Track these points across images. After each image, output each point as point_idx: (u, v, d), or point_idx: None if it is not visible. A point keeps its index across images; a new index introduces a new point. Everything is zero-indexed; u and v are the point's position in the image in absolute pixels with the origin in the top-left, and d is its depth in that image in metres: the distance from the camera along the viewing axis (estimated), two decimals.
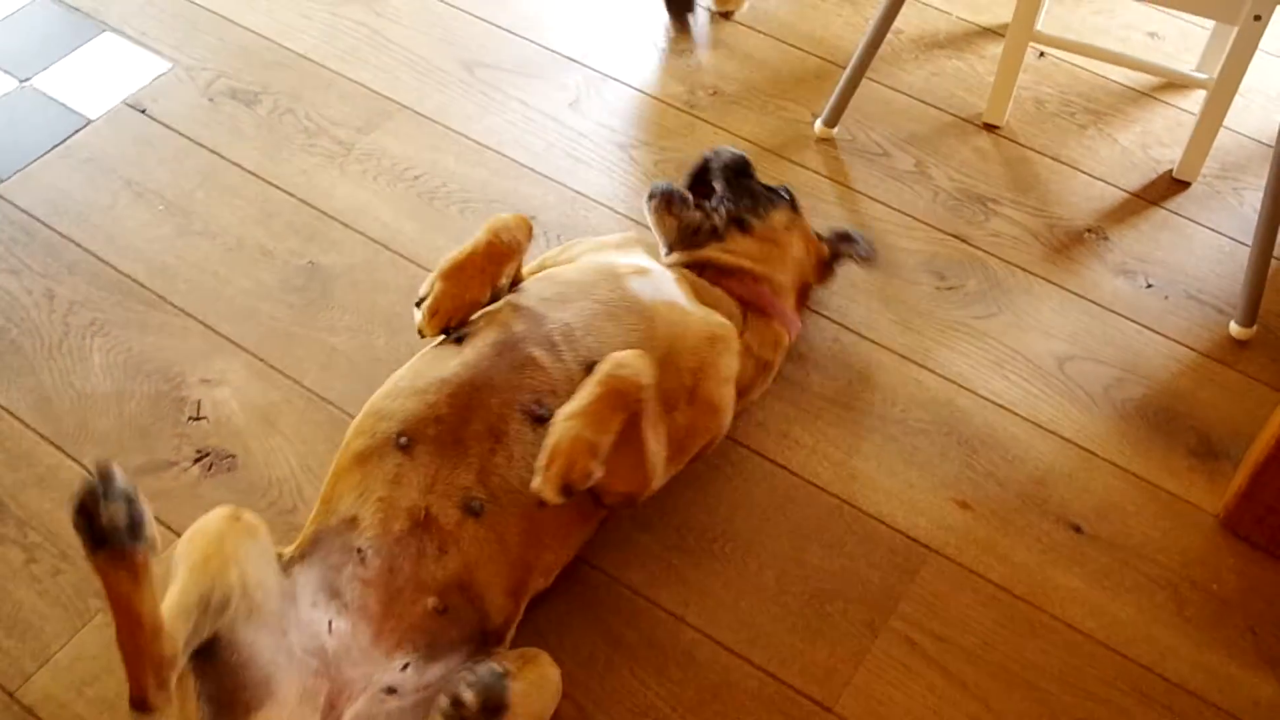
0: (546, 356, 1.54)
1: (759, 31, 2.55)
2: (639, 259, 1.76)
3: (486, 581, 1.47)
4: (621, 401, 1.45)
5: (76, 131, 2.30)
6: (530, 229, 1.67)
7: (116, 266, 2.08)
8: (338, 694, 1.37)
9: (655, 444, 1.53)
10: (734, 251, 1.84)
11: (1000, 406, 1.93)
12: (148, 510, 1.26)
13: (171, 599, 1.32)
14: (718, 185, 1.91)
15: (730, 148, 1.98)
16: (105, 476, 1.22)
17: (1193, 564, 1.76)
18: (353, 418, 1.83)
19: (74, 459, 1.82)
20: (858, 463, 1.85)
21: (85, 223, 2.14)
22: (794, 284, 1.89)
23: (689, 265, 1.83)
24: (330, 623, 1.41)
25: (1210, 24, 2.38)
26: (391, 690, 1.38)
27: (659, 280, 1.70)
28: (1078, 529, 1.79)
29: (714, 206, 1.88)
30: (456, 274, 1.59)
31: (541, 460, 1.42)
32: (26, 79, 2.40)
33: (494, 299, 1.64)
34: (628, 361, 1.48)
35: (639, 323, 1.60)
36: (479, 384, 1.52)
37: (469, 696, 1.27)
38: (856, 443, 1.87)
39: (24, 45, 2.46)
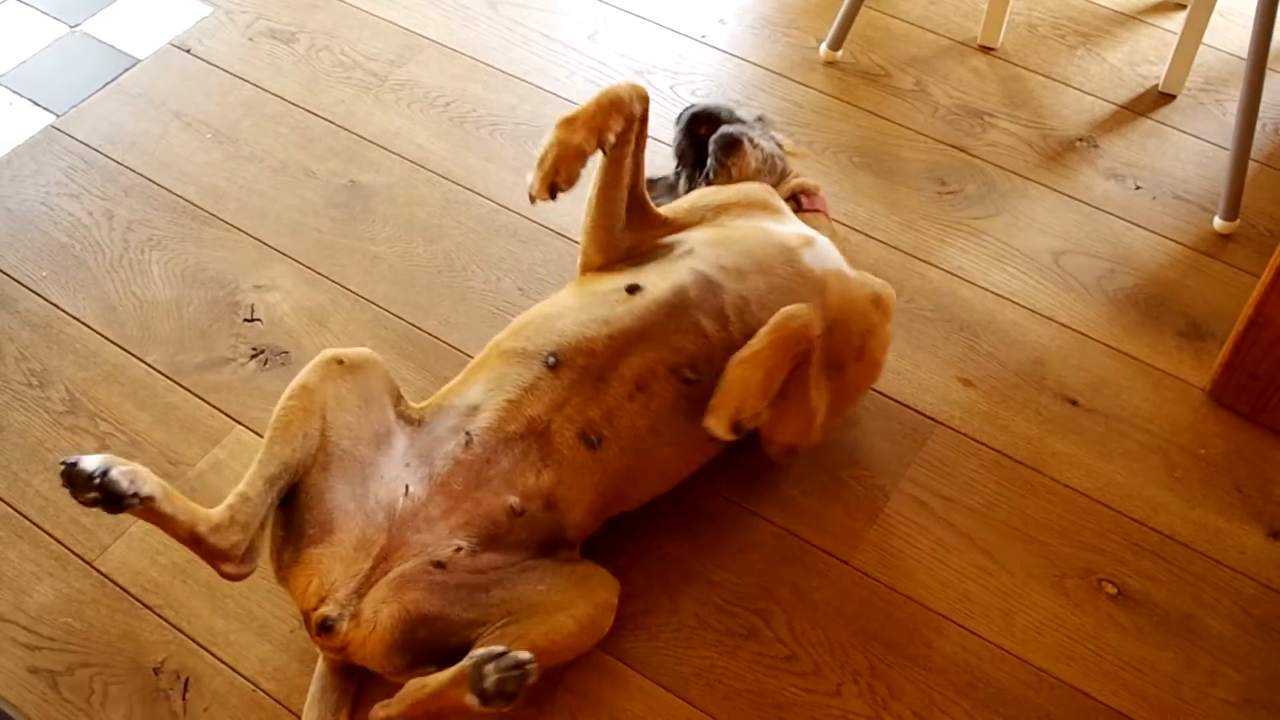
0: (713, 326, 1.56)
1: None
2: (797, 226, 1.75)
3: (574, 501, 1.51)
4: (792, 348, 1.51)
5: (126, 70, 2.39)
6: (645, 96, 1.62)
7: (170, 189, 2.16)
8: (391, 550, 1.44)
9: (818, 398, 1.59)
10: (795, 175, 1.90)
11: (1000, 296, 2.01)
12: (124, 478, 1.31)
13: (252, 470, 1.42)
14: (736, 120, 1.91)
15: (699, 102, 1.98)
16: (66, 479, 1.31)
17: (1182, 432, 1.84)
18: (396, 317, 1.94)
19: (138, 358, 1.90)
20: None
21: (138, 151, 2.23)
22: None
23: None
24: (408, 486, 1.48)
25: None
26: (440, 565, 1.43)
27: (823, 249, 1.70)
28: (1074, 402, 1.87)
29: (765, 135, 1.90)
30: (567, 125, 1.55)
31: (715, 399, 1.49)
32: (76, 24, 2.48)
33: (618, 163, 1.64)
34: (798, 313, 1.53)
35: (812, 295, 1.62)
36: (641, 334, 1.54)
37: (490, 682, 1.30)
38: None
39: None
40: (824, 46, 2.40)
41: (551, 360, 1.53)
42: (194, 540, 1.37)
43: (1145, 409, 1.87)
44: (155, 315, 1.96)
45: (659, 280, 1.59)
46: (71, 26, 2.48)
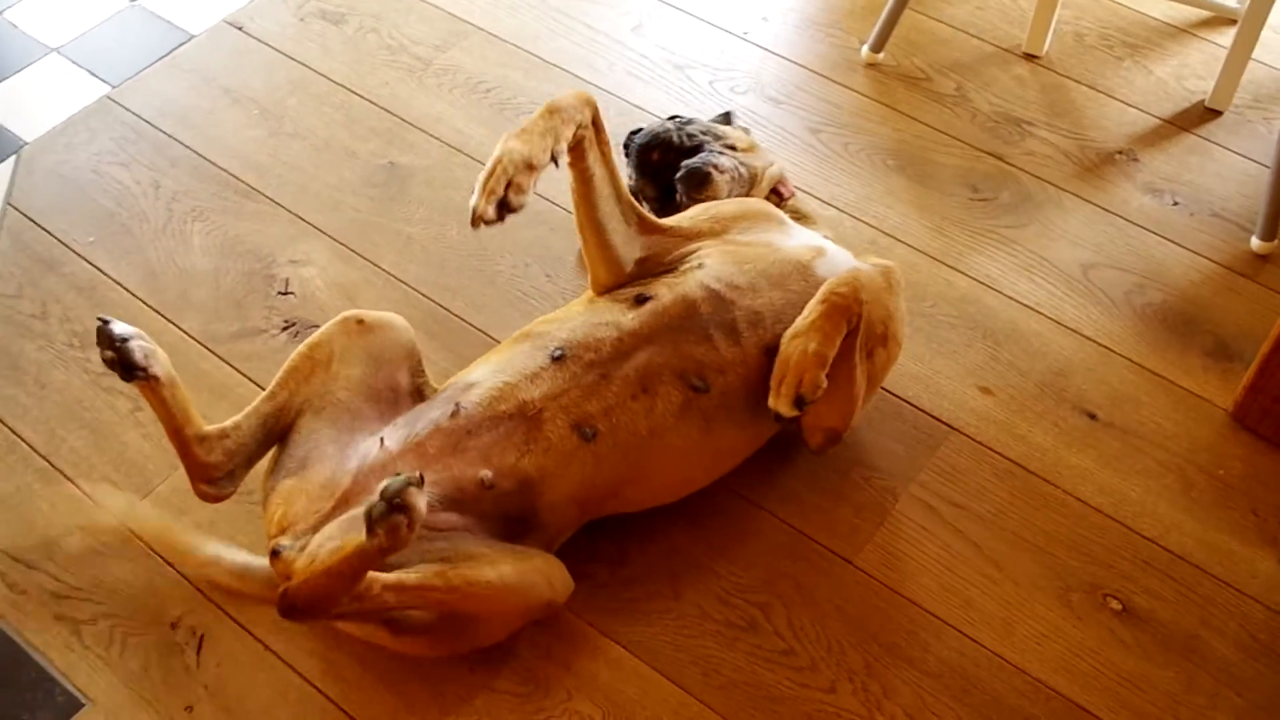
0: (724, 339, 1.58)
1: None
2: (803, 237, 1.76)
3: (554, 489, 1.53)
4: (844, 315, 1.54)
5: (180, 45, 2.45)
6: (592, 102, 1.59)
7: (215, 162, 2.23)
8: (352, 494, 1.49)
9: (860, 378, 1.62)
10: (762, 169, 1.91)
11: (1025, 306, 2.02)
12: (141, 352, 1.48)
13: (251, 406, 1.55)
14: (685, 147, 1.90)
15: (641, 129, 1.96)
16: (97, 334, 1.48)
17: (1201, 452, 1.84)
18: (425, 297, 2.00)
19: (175, 324, 1.97)
20: None
21: (187, 124, 2.29)
22: None
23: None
24: (384, 440, 1.54)
25: None
26: None
27: (834, 257, 1.71)
28: (1093, 416, 1.88)
29: (720, 152, 1.87)
30: (515, 137, 1.51)
31: (774, 378, 1.53)
32: None
33: (553, 160, 1.59)
34: (844, 279, 1.56)
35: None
36: (648, 338, 1.57)
37: (376, 508, 1.30)
38: None
39: None
40: (865, 48, 2.41)
41: (557, 353, 1.57)
42: (180, 442, 1.52)
43: (1165, 426, 1.87)
44: (194, 284, 2.03)
45: (667, 292, 1.61)
46: (131, 1, 2.55)
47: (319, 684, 1.57)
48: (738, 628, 1.64)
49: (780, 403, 1.52)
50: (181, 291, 2.01)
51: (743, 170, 1.86)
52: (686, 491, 1.69)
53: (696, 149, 1.88)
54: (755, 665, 1.61)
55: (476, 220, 1.45)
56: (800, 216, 1.87)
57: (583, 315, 1.63)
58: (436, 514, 1.48)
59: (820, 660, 1.61)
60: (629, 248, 1.68)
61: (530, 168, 1.48)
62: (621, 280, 1.68)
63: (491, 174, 1.46)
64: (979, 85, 2.38)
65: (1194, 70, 2.41)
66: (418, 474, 1.31)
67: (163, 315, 1.98)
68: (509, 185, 1.46)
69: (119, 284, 2.02)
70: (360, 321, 1.61)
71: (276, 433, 1.56)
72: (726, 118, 2.09)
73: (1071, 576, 1.70)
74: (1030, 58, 2.44)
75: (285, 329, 1.96)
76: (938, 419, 1.87)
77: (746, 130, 2.04)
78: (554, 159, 1.52)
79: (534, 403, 1.54)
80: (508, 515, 1.53)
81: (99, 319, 1.49)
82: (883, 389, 1.89)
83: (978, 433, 1.85)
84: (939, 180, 2.21)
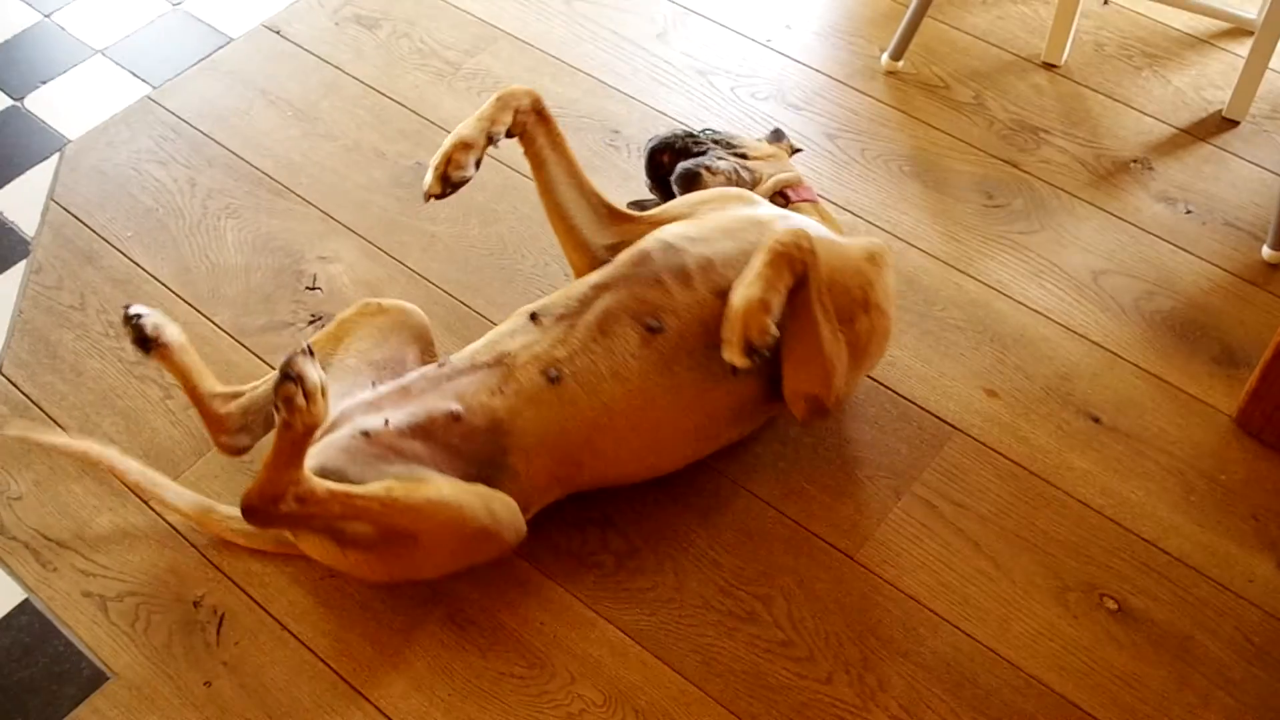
0: (675, 283, 1.65)
1: None
2: (773, 210, 1.81)
3: (523, 431, 1.60)
4: (785, 262, 1.57)
5: (220, 48, 2.53)
6: (533, 93, 1.77)
7: (249, 161, 2.30)
8: (334, 425, 1.60)
9: (831, 339, 1.65)
10: (770, 176, 1.95)
11: (1034, 311, 2.05)
12: (149, 325, 1.70)
13: (271, 373, 1.67)
14: (692, 152, 1.97)
15: (659, 133, 2.03)
16: (123, 314, 1.71)
17: (1203, 456, 1.87)
18: (446, 294, 2.06)
19: (207, 317, 2.04)
20: (896, 351, 1.98)
21: (224, 124, 2.37)
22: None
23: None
24: (374, 383, 1.68)
25: None
26: (366, 434, 1.57)
27: (797, 220, 1.76)
28: (1096, 420, 1.91)
29: (722, 157, 1.94)
30: (460, 127, 1.71)
31: (723, 331, 1.57)
32: (178, 3, 2.64)
33: (491, 142, 1.73)
34: (786, 230, 1.61)
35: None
36: (605, 286, 1.67)
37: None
38: (897, 335, 2.01)
39: None
40: (885, 56, 2.45)
41: (533, 315, 1.69)
42: (196, 398, 1.72)
43: (1169, 431, 1.89)
44: (225, 278, 2.10)
45: (628, 250, 1.73)
46: (174, 4, 2.63)
47: (332, 662, 1.63)
48: (738, 618, 1.69)
49: (731, 352, 1.55)
50: (213, 286, 2.09)
51: (744, 174, 1.91)
52: (666, 454, 1.70)
53: (701, 154, 1.93)
54: (754, 655, 1.65)
55: (426, 195, 1.69)
56: (822, 219, 1.91)
57: (560, 288, 1.75)
58: (404, 440, 1.58)
59: (818, 652, 1.66)
60: (599, 235, 1.81)
61: (467, 146, 1.68)
62: (596, 266, 1.77)
63: (438, 157, 1.69)
64: (997, 93, 2.41)
65: (1212, 80, 2.43)
66: (306, 344, 1.41)
67: (195, 308, 2.05)
68: (449, 162, 1.68)
69: (154, 277, 2.10)
70: (378, 305, 1.77)
71: None
72: (777, 134, 2.12)
73: (1069, 576, 1.73)
74: (1049, 67, 2.46)
75: (312, 323, 2.03)
76: (943, 420, 1.90)
77: (788, 148, 2.09)
78: (491, 140, 1.71)
79: (512, 354, 1.64)
80: (477, 456, 1.59)
81: (124, 306, 1.72)
82: (890, 389, 1.93)
83: (982, 434, 1.89)
84: (954, 186, 2.24)
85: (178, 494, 1.74)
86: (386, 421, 1.59)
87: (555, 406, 1.61)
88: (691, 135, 1.98)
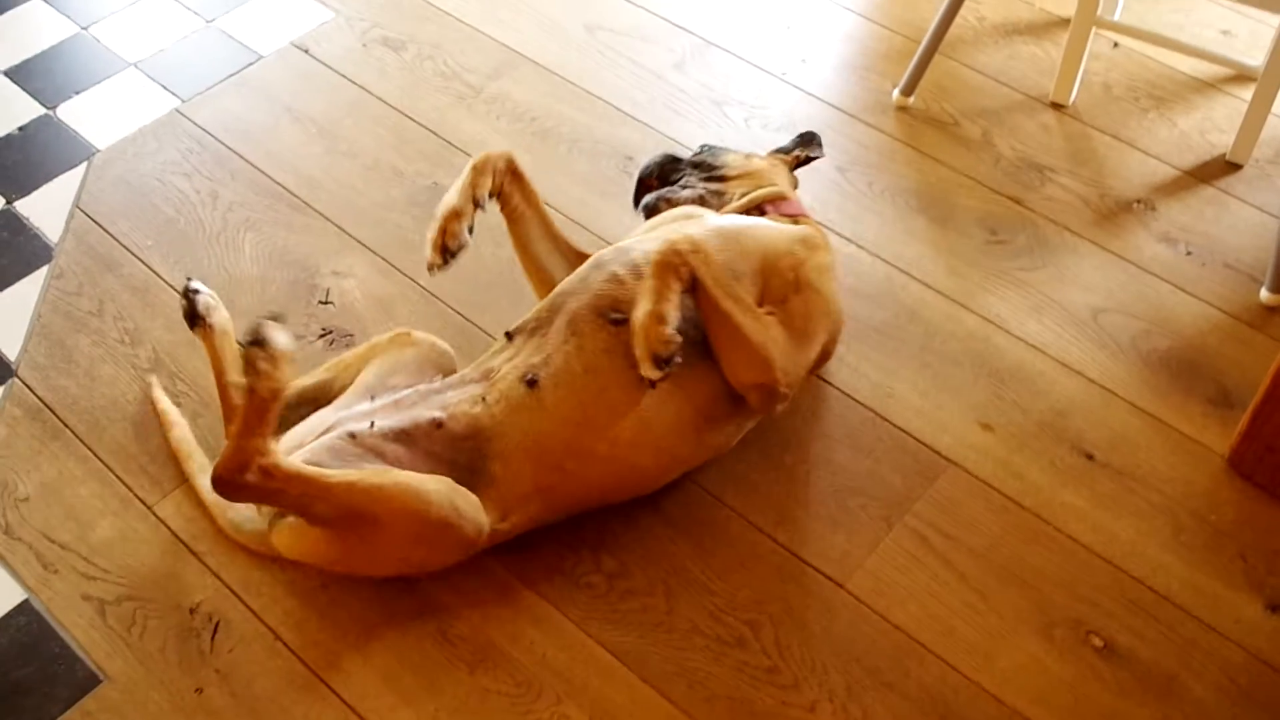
0: (629, 275, 1.67)
1: (851, 10, 2.64)
2: (707, 216, 1.83)
3: (503, 437, 1.60)
4: (669, 271, 1.58)
5: (249, 65, 2.51)
6: (508, 156, 1.83)
7: (271, 176, 2.28)
8: (327, 429, 1.62)
9: (756, 326, 1.63)
10: (742, 193, 1.92)
11: (1032, 346, 2.00)
12: (203, 303, 1.81)
13: (299, 380, 1.73)
14: (670, 179, 1.99)
15: (646, 160, 2.04)
16: (187, 281, 1.82)
17: (1195, 496, 1.81)
18: (456, 312, 2.04)
19: None
20: (894, 383, 1.94)
21: (249, 139, 2.35)
22: (791, 186, 1.99)
23: None
24: (374, 396, 1.68)
25: None
26: (352, 435, 1.58)
27: (742, 217, 1.81)
28: (1090, 457, 1.85)
29: (687, 184, 1.95)
30: (448, 194, 1.76)
31: (633, 349, 1.57)
32: (212, 19, 2.62)
33: (478, 207, 1.78)
34: (666, 240, 1.61)
35: (726, 243, 1.68)
36: (569, 291, 1.69)
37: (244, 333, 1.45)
38: (896, 367, 1.96)
39: None
40: (896, 92, 2.41)
41: (508, 334, 1.71)
42: (220, 385, 1.77)
43: (1161, 470, 1.84)
44: (240, 290, 2.07)
45: (584, 263, 1.76)
46: (208, 21, 2.62)
47: (323, 674, 1.60)
48: (726, 643, 1.64)
49: (644, 368, 1.56)
50: (229, 297, 2.06)
51: (709, 200, 1.91)
52: (648, 453, 1.65)
53: (676, 180, 1.95)
54: (740, 680, 1.61)
55: (429, 267, 1.72)
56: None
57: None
58: (386, 443, 1.58)
59: (803, 679, 1.61)
60: (566, 274, 1.80)
61: (458, 215, 1.73)
62: None
63: (431, 232, 1.73)
64: (1005, 131, 2.36)
65: (1217, 124, 2.37)
66: (272, 311, 1.46)
67: None
68: (444, 234, 1.72)
69: (171, 286, 2.08)
70: (408, 335, 1.79)
71: (310, 408, 1.70)
72: (807, 139, 2.07)
73: (1056, 611, 1.68)
74: (1057, 107, 2.41)
75: (322, 336, 2.00)
76: (937, 452, 1.85)
77: (793, 160, 2.04)
78: (478, 205, 1.77)
79: (494, 368, 1.67)
80: (457, 462, 1.59)
81: (187, 278, 1.86)
82: (886, 420, 1.88)
83: (975, 467, 1.84)
84: (958, 222, 2.20)
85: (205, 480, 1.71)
86: (372, 424, 1.59)
87: (534, 410, 1.60)
88: (673, 160, 1.99)
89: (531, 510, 1.63)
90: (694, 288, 1.60)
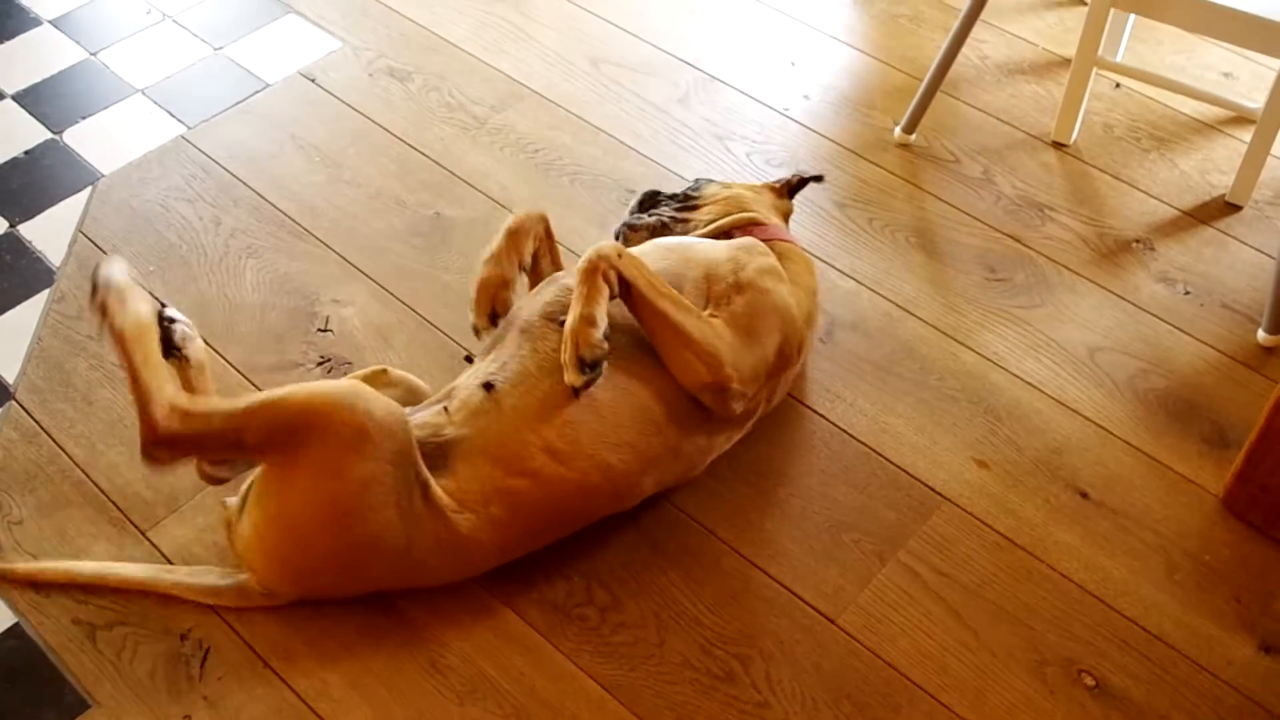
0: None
1: (854, 48, 2.67)
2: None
3: (465, 440, 1.61)
4: (593, 276, 1.63)
5: (255, 93, 2.54)
6: (543, 217, 1.85)
7: (274, 203, 2.30)
8: None
9: (698, 325, 1.66)
10: (708, 220, 1.95)
11: (1029, 384, 2.00)
12: (179, 335, 1.70)
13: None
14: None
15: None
16: (158, 314, 1.65)
17: (1189, 536, 1.81)
18: (454, 341, 2.04)
19: (219, 353, 2.03)
20: (890, 419, 1.95)
21: (253, 166, 2.37)
22: (773, 213, 2.01)
23: None
24: None
25: None
26: None
27: (688, 237, 1.86)
28: (1084, 495, 1.86)
29: (654, 213, 2.01)
30: (489, 263, 1.77)
31: (561, 354, 1.63)
32: (220, 47, 2.66)
33: (536, 270, 1.85)
34: (592, 248, 1.65)
35: (669, 255, 1.77)
36: (521, 307, 1.75)
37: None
38: (892, 402, 1.97)
39: (221, 20, 2.72)
40: (898, 129, 2.43)
41: (468, 357, 1.78)
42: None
43: (1155, 509, 1.84)
44: (240, 316, 2.09)
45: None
46: (216, 49, 2.65)
47: (311, 703, 1.60)
48: (716, 677, 1.64)
49: (570, 374, 1.60)
50: (228, 323, 2.08)
51: (674, 226, 1.97)
52: (612, 454, 1.65)
53: (652, 208, 2.04)
54: (730, 715, 1.61)
55: (477, 332, 1.75)
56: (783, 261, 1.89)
57: None
58: None
59: (793, 715, 1.61)
60: None
61: (506, 284, 1.76)
62: None
63: (480, 298, 1.75)
64: (1005, 169, 2.38)
65: (1217, 165, 2.39)
66: (108, 256, 1.47)
67: (208, 343, 2.04)
68: (495, 301, 1.74)
69: None
70: (385, 373, 1.82)
71: None
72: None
73: (1048, 650, 1.68)
74: (1058, 146, 2.43)
75: (320, 364, 2.02)
76: (932, 488, 1.86)
77: (784, 188, 2.08)
78: (523, 269, 1.81)
79: (455, 386, 1.71)
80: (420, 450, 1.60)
81: (160, 303, 1.67)
82: (881, 456, 1.89)
83: (970, 504, 1.84)
84: (957, 259, 2.21)
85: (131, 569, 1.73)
86: None
87: (493, 412, 1.63)
88: (654, 195, 2.05)
89: (493, 514, 1.60)
90: (628, 293, 1.64)
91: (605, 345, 1.61)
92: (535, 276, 1.88)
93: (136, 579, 1.69)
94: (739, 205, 1.98)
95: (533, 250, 1.83)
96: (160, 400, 1.47)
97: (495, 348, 1.72)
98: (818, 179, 2.11)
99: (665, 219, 1.97)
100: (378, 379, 1.79)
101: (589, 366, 1.60)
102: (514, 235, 1.80)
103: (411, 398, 1.78)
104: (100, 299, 1.47)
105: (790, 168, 2.38)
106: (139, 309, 1.50)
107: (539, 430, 1.62)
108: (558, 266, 1.90)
